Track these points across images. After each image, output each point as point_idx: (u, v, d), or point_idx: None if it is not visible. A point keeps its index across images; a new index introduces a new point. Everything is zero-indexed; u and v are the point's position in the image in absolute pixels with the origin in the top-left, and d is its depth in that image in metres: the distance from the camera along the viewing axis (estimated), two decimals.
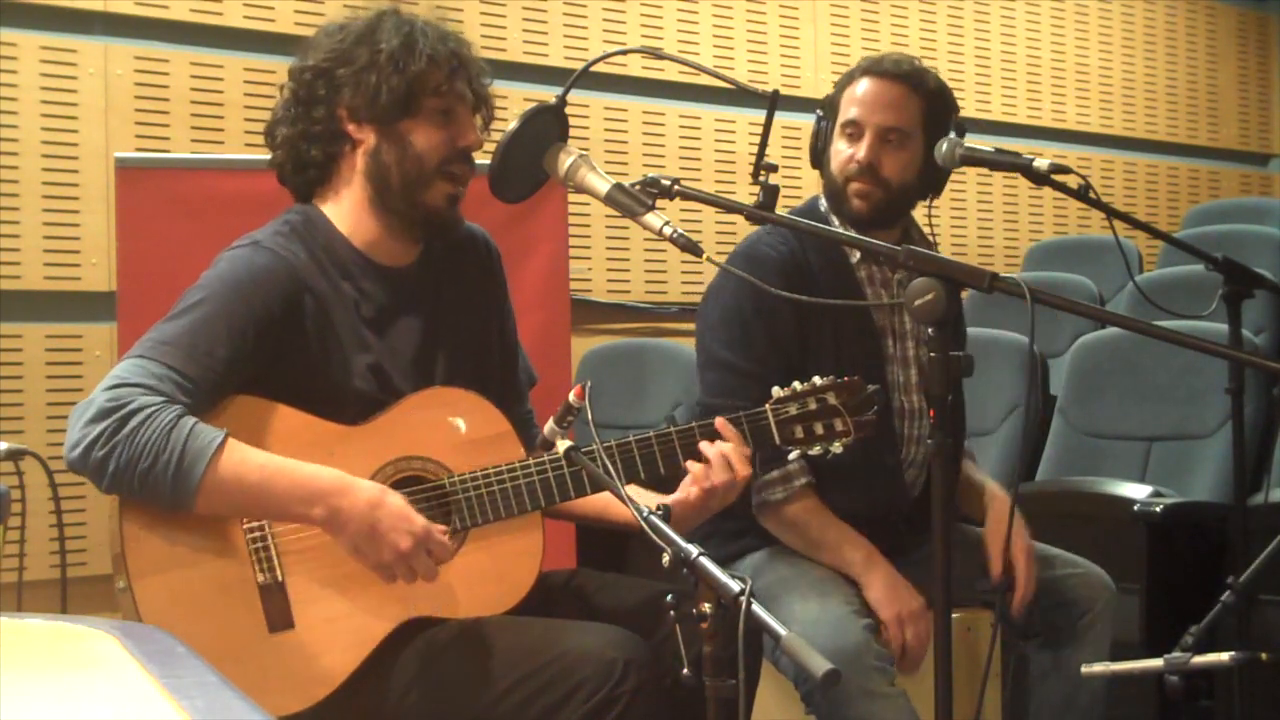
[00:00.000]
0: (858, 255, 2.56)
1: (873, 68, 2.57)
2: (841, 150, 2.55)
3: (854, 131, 2.54)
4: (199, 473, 1.84)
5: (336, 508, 1.89)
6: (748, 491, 2.49)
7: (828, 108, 2.61)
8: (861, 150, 2.52)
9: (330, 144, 2.09)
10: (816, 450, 2.12)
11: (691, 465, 2.05)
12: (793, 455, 2.12)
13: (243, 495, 1.88)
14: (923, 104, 2.55)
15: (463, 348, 2.17)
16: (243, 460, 1.88)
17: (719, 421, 2.08)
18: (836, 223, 2.58)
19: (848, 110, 2.55)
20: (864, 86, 2.55)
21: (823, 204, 2.63)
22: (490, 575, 2.02)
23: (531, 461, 2.02)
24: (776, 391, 2.12)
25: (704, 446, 2.05)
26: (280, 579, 1.93)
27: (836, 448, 2.12)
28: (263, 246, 2.04)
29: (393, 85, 2.04)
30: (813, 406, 2.12)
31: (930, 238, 2.66)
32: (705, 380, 2.54)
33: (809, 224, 2.20)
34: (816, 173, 2.64)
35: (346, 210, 2.12)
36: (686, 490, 2.05)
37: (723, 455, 2.04)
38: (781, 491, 2.48)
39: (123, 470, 1.83)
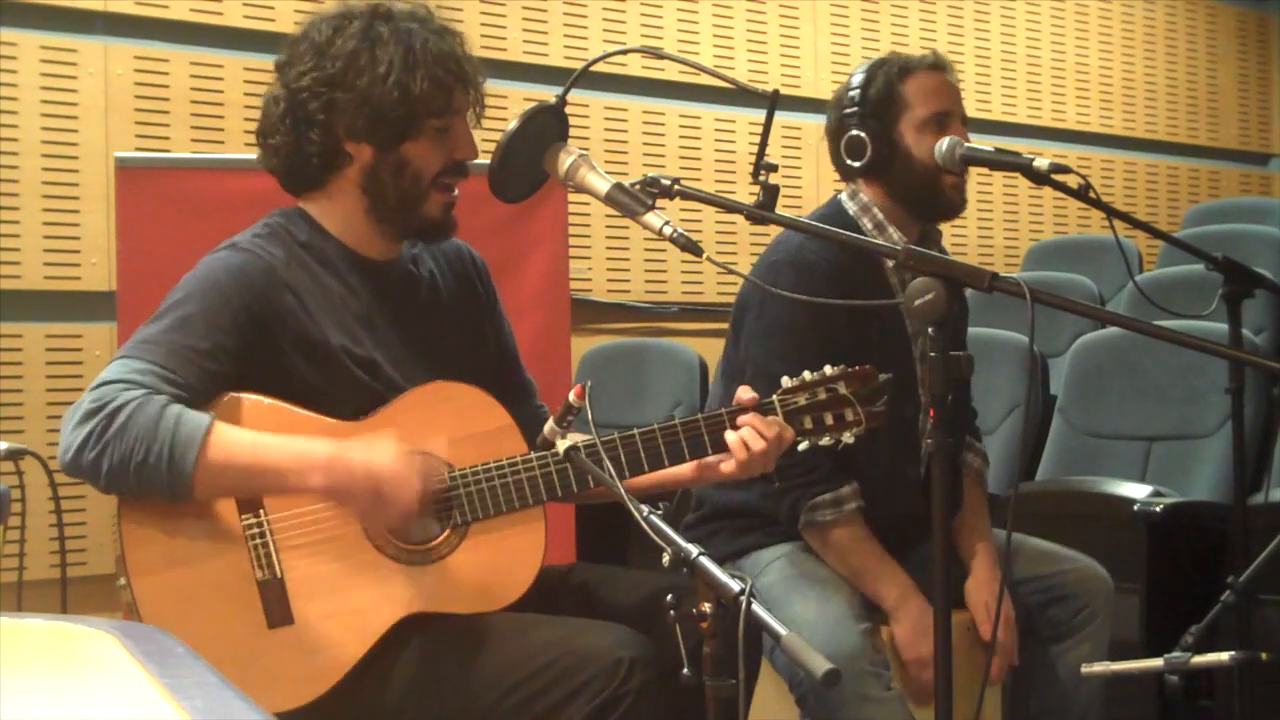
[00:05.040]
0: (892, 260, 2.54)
1: (931, 62, 2.57)
2: (932, 141, 2.48)
3: (944, 122, 2.52)
4: (191, 459, 1.84)
5: (334, 477, 1.89)
6: (751, 491, 2.49)
7: (877, 104, 2.54)
8: (962, 138, 2.48)
9: (326, 158, 2.08)
10: (826, 441, 2.09)
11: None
12: (801, 446, 2.10)
13: (239, 475, 1.89)
14: None
15: (448, 347, 2.17)
16: (234, 441, 1.88)
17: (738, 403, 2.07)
18: (868, 225, 2.57)
19: (930, 103, 2.52)
20: (935, 79, 2.55)
21: (850, 207, 2.60)
22: (491, 570, 2.01)
23: (534, 456, 2.02)
24: (785, 381, 2.09)
25: (728, 436, 2.04)
26: (279, 575, 1.93)
27: (848, 438, 2.09)
28: (239, 248, 2.05)
29: (394, 115, 2.03)
30: (822, 396, 2.09)
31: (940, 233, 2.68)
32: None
33: (809, 224, 2.19)
34: (816, 172, 2.63)
35: (337, 211, 2.12)
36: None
37: (741, 441, 2.04)
38: (831, 514, 2.45)
39: (116, 467, 1.83)
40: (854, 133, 2.55)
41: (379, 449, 1.92)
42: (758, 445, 2.03)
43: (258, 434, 1.91)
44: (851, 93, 2.58)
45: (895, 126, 2.54)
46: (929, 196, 2.54)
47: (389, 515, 1.92)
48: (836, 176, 2.69)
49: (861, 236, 2.46)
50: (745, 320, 2.56)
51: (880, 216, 2.57)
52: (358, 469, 1.90)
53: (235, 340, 1.96)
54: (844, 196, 2.63)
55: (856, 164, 2.56)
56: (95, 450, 1.83)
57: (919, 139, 2.52)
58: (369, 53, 2.04)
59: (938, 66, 2.58)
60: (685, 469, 2.10)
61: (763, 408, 2.07)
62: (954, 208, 2.56)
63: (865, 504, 2.49)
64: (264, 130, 2.12)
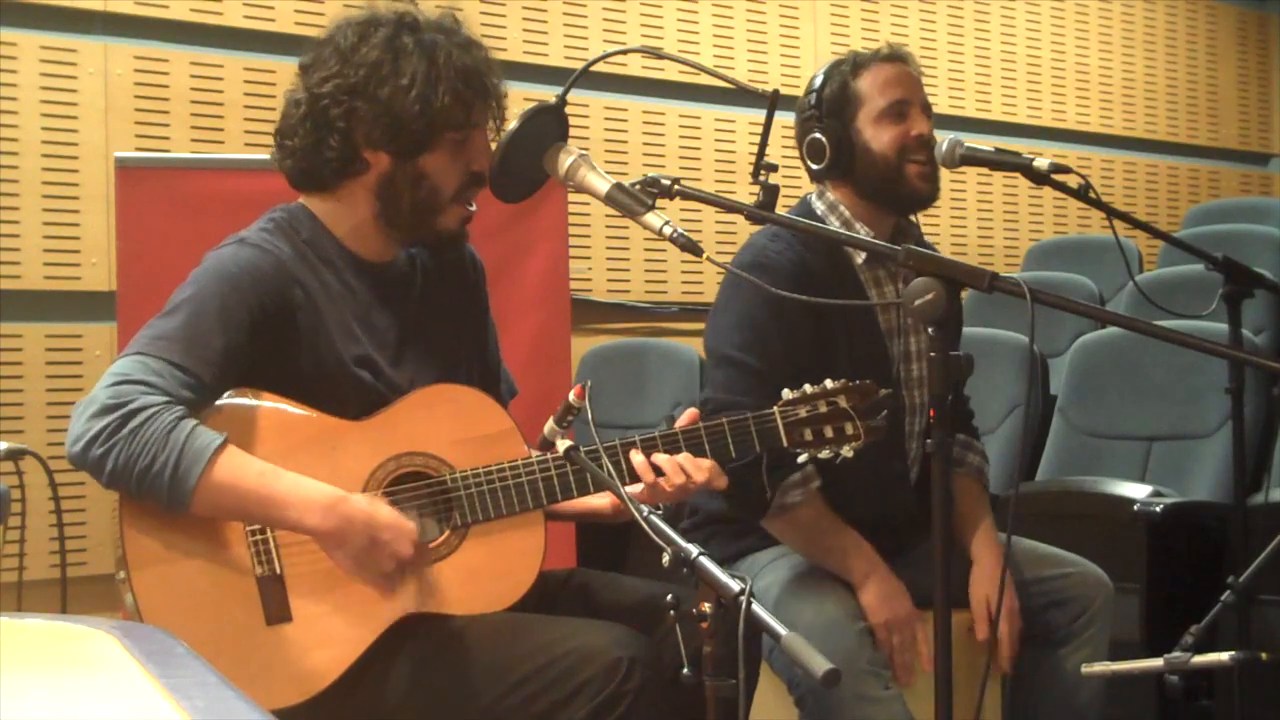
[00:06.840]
0: (862, 257, 2.54)
1: (887, 54, 2.56)
2: (888, 132, 2.49)
3: (901, 111, 2.50)
4: (195, 475, 1.84)
5: (333, 520, 1.89)
6: (748, 493, 2.49)
7: (833, 104, 2.54)
8: (921, 125, 2.48)
9: (342, 164, 2.08)
10: (825, 454, 2.10)
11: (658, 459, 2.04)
12: (801, 458, 2.11)
13: (239, 499, 1.88)
14: None
15: (432, 350, 2.17)
16: (241, 465, 1.88)
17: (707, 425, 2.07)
18: (835, 223, 2.55)
19: (886, 94, 2.51)
20: (891, 70, 2.54)
21: (818, 206, 2.59)
22: (491, 572, 2.02)
23: (534, 459, 2.02)
24: (786, 393, 2.10)
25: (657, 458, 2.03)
26: (278, 571, 1.94)
27: (846, 451, 2.10)
28: (248, 243, 2.05)
29: (413, 127, 2.03)
30: (823, 409, 2.10)
31: (918, 224, 2.66)
32: (714, 378, 2.49)
33: (812, 224, 2.20)
34: None
35: (341, 212, 2.12)
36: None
37: (677, 465, 2.04)
38: (800, 494, 2.44)
39: (121, 468, 1.83)
40: (812, 135, 2.55)
41: (380, 504, 1.94)
42: (650, 477, 2.03)
43: (267, 464, 1.90)
44: (810, 95, 2.58)
45: (852, 124, 2.53)
46: (893, 188, 2.52)
47: (381, 559, 1.90)
48: None
49: (864, 238, 2.46)
50: (714, 320, 2.56)
51: (847, 215, 2.55)
52: (357, 515, 1.90)
53: (249, 335, 1.96)
54: (812, 196, 2.62)
55: (818, 166, 2.56)
56: (104, 447, 1.83)
57: (876, 131, 2.51)
58: (392, 63, 2.03)
59: (893, 58, 2.56)
60: (603, 502, 2.13)
61: (763, 418, 2.08)
62: (921, 197, 2.53)
63: (853, 501, 2.49)
64: (282, 130, 2.12)
